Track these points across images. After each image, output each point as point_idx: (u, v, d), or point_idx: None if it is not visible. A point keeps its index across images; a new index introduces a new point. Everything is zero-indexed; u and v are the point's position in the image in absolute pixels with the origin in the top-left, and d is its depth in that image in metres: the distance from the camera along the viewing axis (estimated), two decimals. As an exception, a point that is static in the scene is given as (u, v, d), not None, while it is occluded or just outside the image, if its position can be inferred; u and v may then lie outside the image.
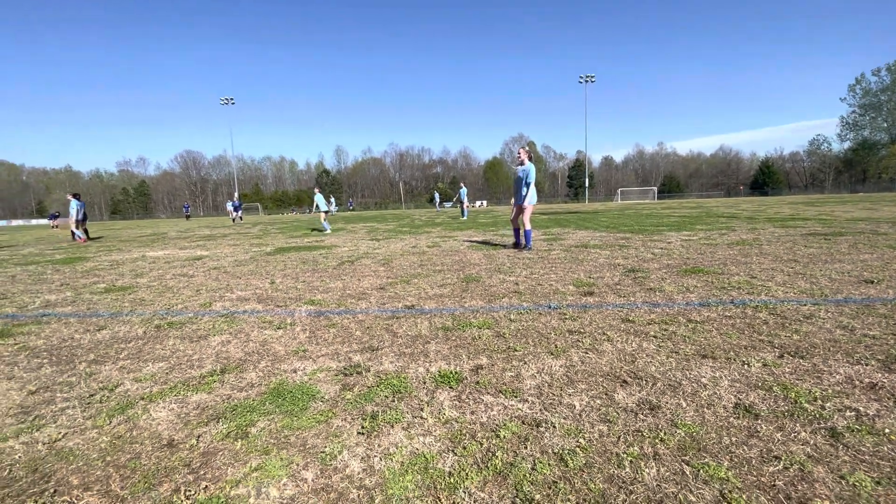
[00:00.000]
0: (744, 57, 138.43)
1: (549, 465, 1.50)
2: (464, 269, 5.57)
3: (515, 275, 5.04)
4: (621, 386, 2.08)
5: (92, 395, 2.22)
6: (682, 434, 1.65)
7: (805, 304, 3.30)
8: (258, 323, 3.46)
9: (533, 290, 4.22)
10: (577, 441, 1.63)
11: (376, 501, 1.36)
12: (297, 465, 1.56)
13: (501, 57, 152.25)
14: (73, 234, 14.32)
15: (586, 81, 58.08)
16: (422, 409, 1.92)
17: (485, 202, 73.72)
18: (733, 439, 1.61)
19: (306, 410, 1.96)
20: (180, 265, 7.19)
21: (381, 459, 1.57)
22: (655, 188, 70.85)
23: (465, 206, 21.40)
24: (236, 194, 48.54)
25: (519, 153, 7.18)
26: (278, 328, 3.29)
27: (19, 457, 1.68)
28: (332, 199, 41.74)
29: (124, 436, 1.81)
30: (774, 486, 1.36)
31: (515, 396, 2.02)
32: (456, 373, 2.30)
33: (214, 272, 6.24)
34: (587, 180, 60.59)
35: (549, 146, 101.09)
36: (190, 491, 1.43)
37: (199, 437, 1.77)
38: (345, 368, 2.43)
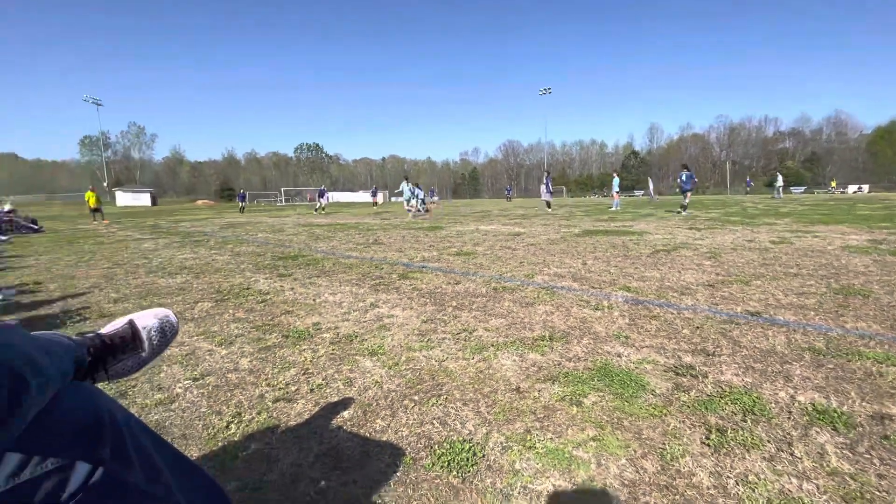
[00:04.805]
0: None
1: None
2: (838, 277, 4.13)
3: (945, 296, 3.34)
4: None
5: (458, 333, 2.88)
6: None
7: None
8: (576, 300, 3.63)
9: None
10: None
11: (735, 530, 1.18)
12: (635, 451, 1.53)
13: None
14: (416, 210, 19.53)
15: None
16: (791, 445, 1.54)
17: (865, 187, 52.85)
18: None
19: (637, 399, 1.91)
20: (504, 239, 8.40)
21: (737, 484, 1.35)
22: None
23: None
24: (544, 178, 52.54)
25: None
26: (596, 309, 3.35)
27: (423, 365, 2.37)
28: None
29: (484, 371, 2.26)
30: None
31: (969, 480, 1.34)
32: (842, 414, 1.73)
33: (532, 248, 6.98)
34: None
35: None
36: (539, 436, 1.64)
37: (539, 391, 2.01)
38: (675, 367, 2.23)
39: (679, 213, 14.82)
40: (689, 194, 15.02)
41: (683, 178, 15.15)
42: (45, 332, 0.77)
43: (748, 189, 48.07)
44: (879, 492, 1.30)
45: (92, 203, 18.33)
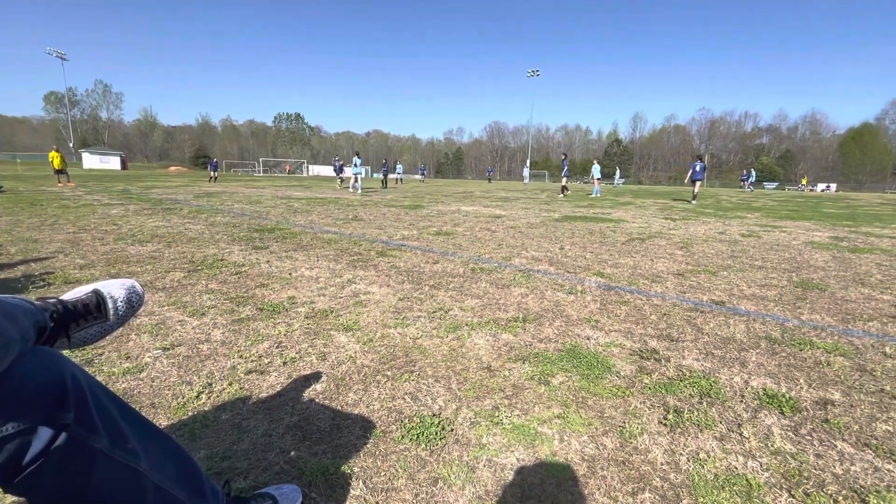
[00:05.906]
0: None
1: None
2: (799, 271, 4.33)
3: (894, 292, 3.56)
4: None
5: (434, 312, 2.91)
6: None
7: None
8: (550, 284, 3.70)
9: (931, 320, 2.88)
10: None
11: (683, 501, 1.26)
12: (597, 428, 1.61)
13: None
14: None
15: None
16: (740, 425, 1.64)
17: (833, 185, 55.07)
18: None
19: (602, 380, 1.99)
20: (485, 220, 8.44)
21: (689, 461, 1.44)
22: None
23: None
24: (528, 161, 52.66)
25: None
26: (569, 293, 3.43)
27: (398, 342, 2.39)
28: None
29: (457, 349, 2.30)
30: None
31: (894, 459, 1.46)
32: (791, 399, 1.84)
33: (511, 231, 7.03)
34: None
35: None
36: (506, 413, 1.70)
37: (509, 370, 2.07)
38: (640, 350, 2.33)
39: (689, 202, 15.50)
40: (699, 184, 15.65)
41: (697, 168, 15.64)
42: (4, 295, 0.75)
43: (744, 182, 48.72)
44: (815, 470, 1.41)
45: (56, 164, 17.39)
